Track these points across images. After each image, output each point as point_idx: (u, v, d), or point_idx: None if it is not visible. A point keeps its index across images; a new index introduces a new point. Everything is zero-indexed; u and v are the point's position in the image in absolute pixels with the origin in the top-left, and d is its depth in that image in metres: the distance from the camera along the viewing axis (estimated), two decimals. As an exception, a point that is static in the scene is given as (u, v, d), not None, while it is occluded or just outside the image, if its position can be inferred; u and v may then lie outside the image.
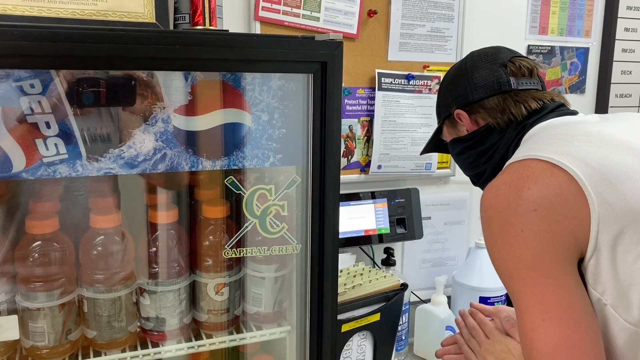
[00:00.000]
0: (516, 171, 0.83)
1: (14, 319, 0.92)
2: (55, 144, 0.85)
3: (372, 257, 1.67)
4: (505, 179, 0.83)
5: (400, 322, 1.49)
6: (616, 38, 2.01)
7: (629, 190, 0.77)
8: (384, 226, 1.64)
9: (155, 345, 1.05)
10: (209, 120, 0.95)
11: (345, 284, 1.34)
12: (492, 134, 1.02)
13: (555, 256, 0.77)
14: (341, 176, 1.00)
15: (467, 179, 1.81)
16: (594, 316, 0.78)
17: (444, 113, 1.11)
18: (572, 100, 1.50)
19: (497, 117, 1.01)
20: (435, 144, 1.20)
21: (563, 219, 0.77)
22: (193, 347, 1.06)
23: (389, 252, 1.61)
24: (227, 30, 1.03)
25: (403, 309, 1.46)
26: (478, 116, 1.04)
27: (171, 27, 1.13)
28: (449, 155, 1.78)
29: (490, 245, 0.83)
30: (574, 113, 0.99)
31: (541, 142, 0.89)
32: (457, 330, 1.57)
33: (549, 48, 1.91)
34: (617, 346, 0.80)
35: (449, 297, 1.64)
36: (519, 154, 0.87)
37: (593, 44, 2.00)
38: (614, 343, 0.80)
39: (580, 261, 0.79)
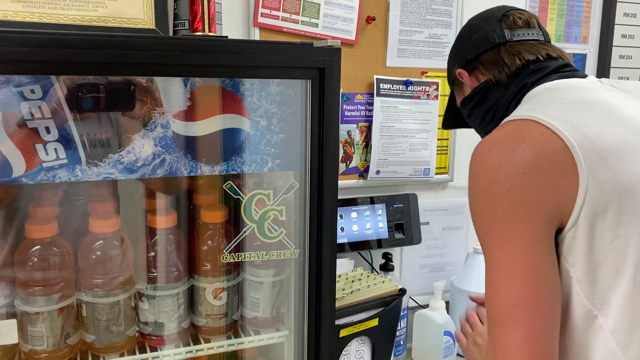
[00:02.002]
0: (513, 130, 0.81)
1: (12, 323, 0.92)
2: (55, 149, 0.86)
3: (370, 262, 1.68)
4: (501, 136, 0.82)
5: (399, 327, 1.50)
6: (613, 44, 2.02)
7: (621, 170, 0.77)
8: (383, 231, 1.64)
9: (153, 349, 1.05)
10: (207, 126, 0.96)
11: (343, 289, 1.34)
12: (493, 91, 1.00)
13: (534, 221, 0.77)
14: (340, 181, 1.01)
15: (466, 184, 1.82)
16: (558, 285, 0.79)
17: (450, 78, 1.12)
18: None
19: (495, 72, 0.99)
20: (452, 114, 1.19)
21: (551, 187, 0.77)
22: (191, 351, 1.07)
23: (387, 257, 1.62)
24: (227, 37, 1.04)
25: (401, 314, 1.47)
26: (477, 72, 1.03)
27: (171, 33, 1.13)
28: (448, 160, 1.80)
29: (474, 199, 0.82)
30: (582, 76, 0.95)
31: (543, 103, 0.86)
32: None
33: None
34: (572, 320, 0.81)
35: (447, 303, 1.64)
36: (518, 112, 0.85)
37: (590, 50, 2.01)
38: (571, 318, 0.81)
39: (559, 231, 0.79)
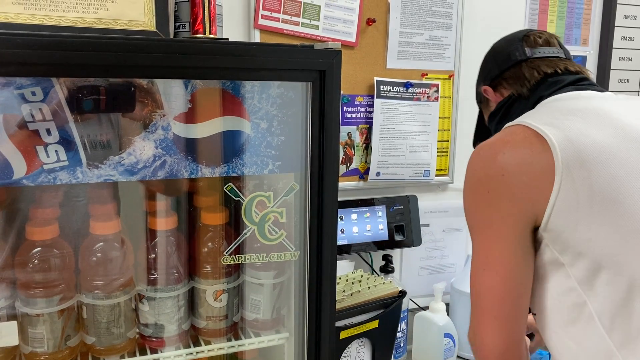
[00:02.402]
0: (504, 135, 0.90)
1: (13, 325, 0.92)
2: (56, 151, 0.86)
3: (370, 264, 1.68)
4: (492, 140, 0.91)
5: (399, 329, 1.49)
6: (613, 47, 2.02)
7: (598, 170, 0.82)
8: (383, 233, 1.64)
9: (153, 351, 1.05)
10: (208, 128, 0.96)
11: (343, 291, 1.34)
12: (515, 104, 1.06)
13: (508, 219, 0.86)
14: (340, 183, 1.01)
15: (466, 186, 1.82)
16: (528, 279, 0.89)
17: (478, 98, 1.19)
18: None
19: (517, 86, 1.05)
20: (481, 134, 1.23)
21: (525, 187, 0.85)
22: (191, 353, 1.07)
23: (387, 259, 1.62)
24: (227, 39, 1.04)
25: (401, 316, 1.47)
26: (501, 88, 1.09)
27: (171, 36, 1.14)
28: (448, 161, 1.80)
29: (465, 197, 0.94)
30: (598, 90, 0.98)
31: (541, 111, 0.94)
32: (456, 338, 1.57)
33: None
34: (564, 307, 0.88)
35: (447, 305, 1.64)
36: (518, 119, 0.93)
37: (590, 52, 2.02)
38: (563, 303, 0.88)
39: (540, 225, 0.86)
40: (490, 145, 0.90)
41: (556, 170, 0.82)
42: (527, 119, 0.89)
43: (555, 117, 0.88)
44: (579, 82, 1.00)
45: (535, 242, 0.89)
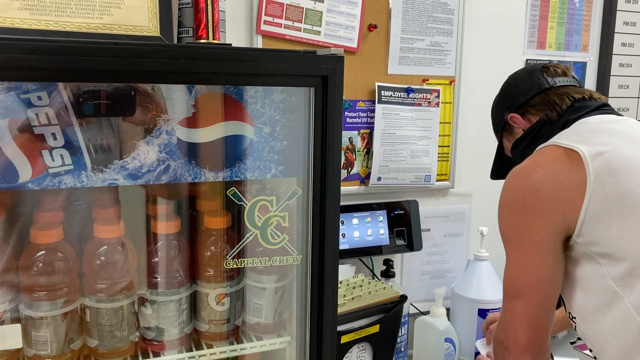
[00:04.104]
0: (536, 155, 1.01)
1: (17, 327, 0.93)
2: (61, 155, 0.87)
3: (371, 268, 1.68)
4: (525, 162, 1.01)
5: (400, 334, 1.50)
6: (613, 53, 2.03)
7: (623, 180, 0.91)
8: (384, 238, 1.65)
9: (156, 354, 1.06)
10: (212, 133, 0.96)
11: (344, 295, 1.35)
12: (544, 128, 1.12)
13: (541, 231, 0.96)
14: (341, 188, 1.01)
15: (466, 191, 1.83)
16: (557, 281, 0.99)
17: (499, 126, 1.24)
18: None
19: (547, 111, 1.12)
20: (501, 162, 1.28)
21: (556, 201, 0.94)
22: (194, 357, 1.07)
23: (388, 263, 1.62)
24: (230, 44, 1.05)
25: (402, 320, 1.47)
26: (529, 115, 1.16)
27: (175, 41, 1.15)
28: (448, 166, 1.80)
29: (500, 213, 1.03)
30: (619, 115, 1.07)
31: (570, 132, 1.03)
32: (456, 343, 1.58)
33: (547, 62, 1.93)
34: (599, 305, 0.96)
35: (448, 309, 1.64)
36: (549, 140, 1.02)
37: (590, 58, 2.03)
38: (599, 301, 0.96)
39: (573, 233, 0.95)
40: (523, 166, 1.00)
41: (587, 181, 0.92)
42: (558, 139, 1.00)
43: (583, 136, 0.98)
44: (602, 107, 1.08)
45: (569, 250, 0.98)
